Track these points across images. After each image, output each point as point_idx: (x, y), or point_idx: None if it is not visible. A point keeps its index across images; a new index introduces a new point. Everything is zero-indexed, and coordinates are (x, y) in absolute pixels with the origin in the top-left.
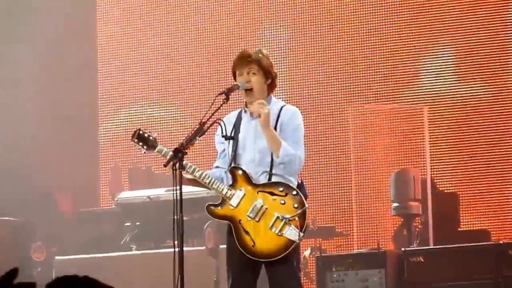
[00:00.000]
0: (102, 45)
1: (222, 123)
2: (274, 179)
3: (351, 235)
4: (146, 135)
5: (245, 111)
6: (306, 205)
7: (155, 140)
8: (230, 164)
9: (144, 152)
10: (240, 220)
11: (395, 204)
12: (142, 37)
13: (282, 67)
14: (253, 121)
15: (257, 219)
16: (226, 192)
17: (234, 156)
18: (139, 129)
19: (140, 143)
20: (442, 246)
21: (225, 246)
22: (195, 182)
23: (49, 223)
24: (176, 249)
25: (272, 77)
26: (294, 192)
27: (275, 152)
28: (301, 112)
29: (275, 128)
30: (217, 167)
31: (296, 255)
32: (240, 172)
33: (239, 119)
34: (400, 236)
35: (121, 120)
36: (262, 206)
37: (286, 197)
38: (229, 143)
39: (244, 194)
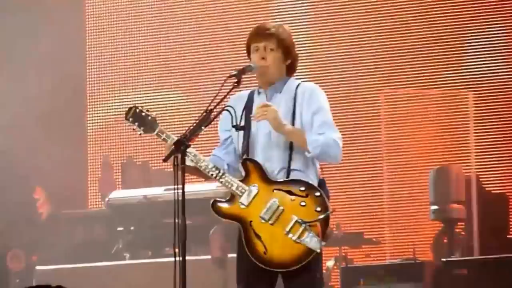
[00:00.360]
0: (91, 25)
1: (232, 111)
2: (293, 175)
3: (383, 242)
4: (143, 113)
5: (259, 92)
6: (330, 209)
7: (155, 120)
8: (242, 156)
9: (140, 134)
10: (251, 222)
11: (434, 207)
12: (133, 15)
13: (303, 47)
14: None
15: (271, 222)
16: (237, 187)
17: (246, 148)
18: (135, 106)
19: (136, 123)
20: (489, 256)
21: (234, 255)
22: (199, 171)
23: (28, 227)
24: (177, 259)
25: (292, 57)
26: (317, 193)
27: (302, 148)
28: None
29: (293, 113)
30: (215, 156)
31: (318, 265)
32: (254, 165)
33: (250, 101)
34: (440, 245)
35: (113, 107)
36: (278, 206)
37: (307, 198)
38: (238, 134)
39: (258, 192)
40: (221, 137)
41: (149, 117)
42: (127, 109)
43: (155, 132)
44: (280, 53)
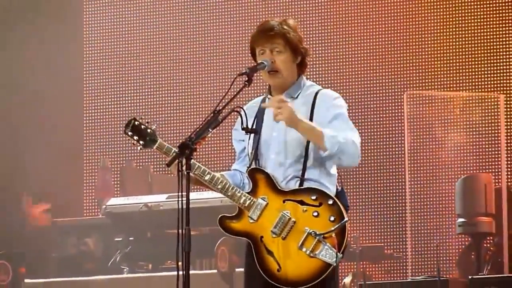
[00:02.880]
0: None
1: (242, 112)
2: (306, 185)
3: (405, 258)
4: (143, 126)
5: (270, 98)
6: (346, 218)
7: (154, 133)
8: (250, 165)
9: (141, 149)
10: (262, 237)
11: (461, 220)
12: (130, 20)
13: (318, 45)
14: None
15: (283, 236)
16: (245, 201)
17: (255, 155)
18: (134, 119)
19: (136, 137)
20: None
21: (242, 269)
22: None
23: (16, 236)
24: (180, 272)
25: (302, 54)
26: (331, 201)
27: (318, 145)
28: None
29: (310, 119)
30: (234, 170)
31: (334, 281)
32: (261, 175)
33: (261, 108)
34: (467, 261)
35: (111, 108)
36: (289, 219)
37: (321, 207)
38: (249, 138)
39: (267, 204)
40: (237, 149)
41: (149, 130)
42: (127, 121)
43: (155, 147)
44: (289, 53)
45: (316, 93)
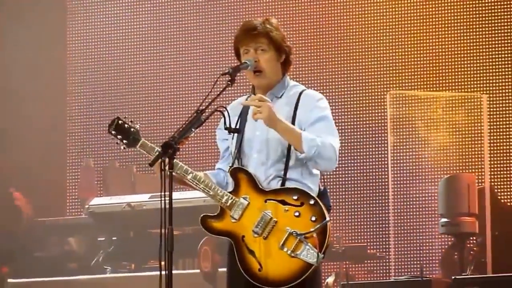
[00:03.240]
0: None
1: (225, 112)
2: (288, 185)
3: (387, 258)
4: (126, 125)
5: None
6: (328, 218)
7: (138, 132)
8: (233, 164)
9: (124, 148)
10: (243, 237)
11: (444, 220)
12: (115, 17)
13: (305, 43)
14: None
15: (264, 236)
16: (226, 200)
17: (238, 154)
18: (118, 118)
19: (119, 136)
20: (503, 274)
21: (225, 269)
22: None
23: None
24: (163, 272)
25: (286, 52)
26: (312, 201)
27: (296, 147)
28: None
29: (293, 120)
30: (218, 169)
31: (316, 282)
32: (243, 174)
33: (245, 107)
34: (450, 261)
35: (94, 108)
36: (271, 218)
37: (302, 207)
38: (232, 137)
39: (249, 203)
40: (221, 148)
41: (132, 129)
42: (110, 120)
43: (138, 146)
44: (273, 52)
45: (300, 93)
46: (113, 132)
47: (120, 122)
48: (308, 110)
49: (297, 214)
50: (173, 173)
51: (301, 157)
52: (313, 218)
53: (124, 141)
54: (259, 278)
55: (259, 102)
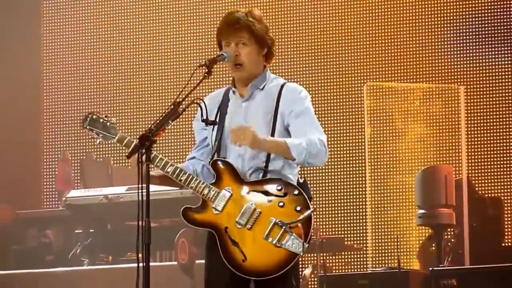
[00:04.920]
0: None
1: (202, 104)
2: (269, 176)
3: (365, 249)
4: (101, 120)
5: (234, 91)
6: (312, 208)
7: (114, 126)
8: (213, 156)
9: (100, 142)
10: (226, 228)
11: (421, 211)
12: (90, 12)
13: (283, 36)
14: (245, 103)
15: (248, 226)
16: (209, 192)
17: (219, 146)
18: (92, 113)
19: (94, 131)
20: (481, 265)
21: (202, 261)
22: (165, 180)
23: None
24: (140, 264)
25: (268, 45)
26: (296, 192)
27: (286, 157)
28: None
29: (275, 113)
30: (193, 158)
31: (295, 272)
32: (225, 165)
33: (225, 99)
34: (427, 252)
35: (70, 100)
36: (255, 209)
37: (286, 197)
38: (212, 129)
39: (231, 195)
40: (198, 138)
41: (108, 124)
42: (82, 116)
43: (115, 140)
44: (254, 45)
45: (282, 86)
46: (87, 126)
47: (94, 117)
48: (291, 101)
49: (281, 204)
50: (153, 174)
51: (294, 163)
52: (298, 208)
53: (100, 135)
54: (244, 268)
55: (238, 131)
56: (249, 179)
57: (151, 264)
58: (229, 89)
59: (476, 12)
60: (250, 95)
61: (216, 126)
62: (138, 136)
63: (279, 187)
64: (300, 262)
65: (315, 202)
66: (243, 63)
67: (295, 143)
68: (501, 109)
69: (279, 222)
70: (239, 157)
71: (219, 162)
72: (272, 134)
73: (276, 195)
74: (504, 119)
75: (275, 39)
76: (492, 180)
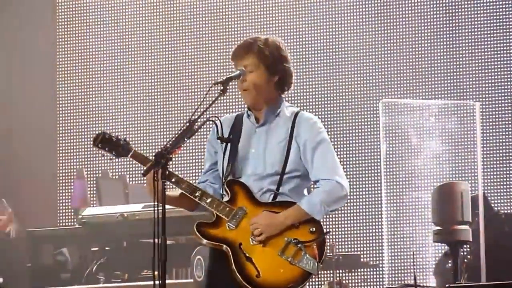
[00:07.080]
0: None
1: (218, 122)
2: (279, 199)
3: (381, 266)
4: (113, 138)
5: (249, 115)
6: (327, 230)
7: (127, 143)
8: (227, 177)
9: (111, 159)
10: (240, 244)
11: (437, 228)
12: (107, 20)
13: (297, 53)
14: (259, 128)
15: (263, 243)
16: (224, 209)
17: (233, 167)
18: (103, 132)
19: (107, 148)
20: (498, 282)
21: None
22: (181, 200)
23: None
24: (157, 282)
25: (280, 72)
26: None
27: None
28: (318, 113)
29: (290, 141)
30: (205, 181)
31: None
32: (239, 186)
33: (238, 122)
34: (444, 269)
35: (87, 116)
36: None
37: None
38: (225, 148)
39: (246, 213)
40: (209, 161)
41: (121, 141)
42: (94, 135)
43: (130, 156)
44: (262, 72)
45: (296, 114)
46: (99, 145)
47: (106, 136)
48: (306, 129)
49: (296, 225)
50: (171, 193)
51: (304, 190)
52: (312, 229)
53: (113, 152)
54: (257, 284)
55: (253, 226)
56: (261, 199)
57: (167, 281)
58: (241, 114)
59: (492, 29)
60: (265, 121)
61: (228, 148)
62: (153, 154)
63: None
64: (317, 279)
65: (331, 219)
66: (248, 88)
67: (311, 204)
68: None
69: (294, 241)
70: (252, 176)
71: (233, 183)
72: (286, 161)
73: None
74: None
75: (290, 56)
76: (508, 196)
